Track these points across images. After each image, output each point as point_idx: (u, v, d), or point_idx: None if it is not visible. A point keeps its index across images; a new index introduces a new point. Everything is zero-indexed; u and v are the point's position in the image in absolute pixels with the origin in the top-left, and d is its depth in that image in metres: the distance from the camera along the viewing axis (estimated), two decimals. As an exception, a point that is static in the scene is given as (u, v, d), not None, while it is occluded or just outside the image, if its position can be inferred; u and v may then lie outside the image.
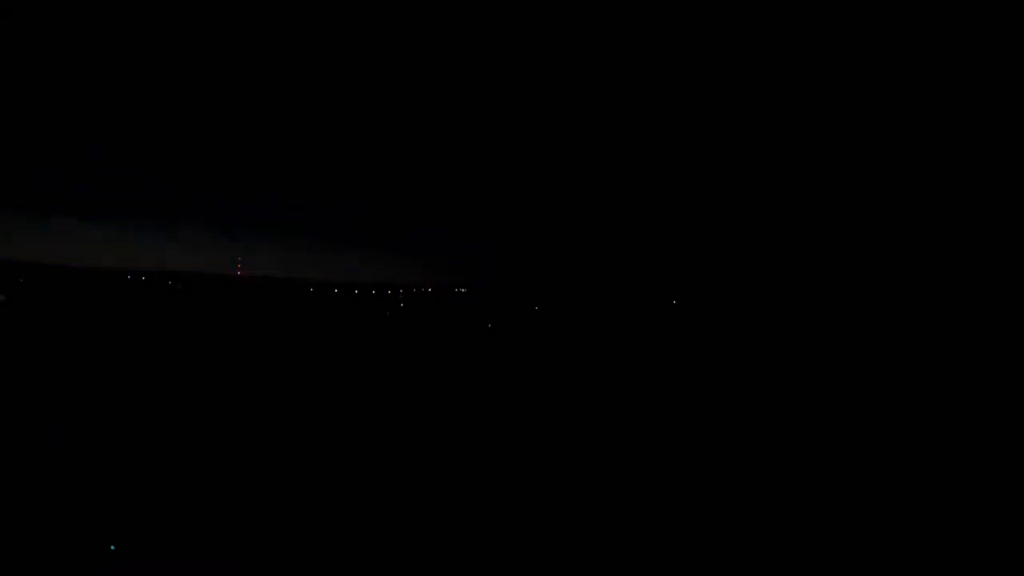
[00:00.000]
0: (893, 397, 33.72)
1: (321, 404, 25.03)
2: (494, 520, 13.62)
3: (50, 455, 16.27)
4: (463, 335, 66.69)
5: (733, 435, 22.96)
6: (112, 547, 11.23)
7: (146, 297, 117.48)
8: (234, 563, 11.06)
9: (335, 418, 22.68)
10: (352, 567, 11.23)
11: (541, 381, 34.62)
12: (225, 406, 23.60)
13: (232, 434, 19.55)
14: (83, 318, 60.71)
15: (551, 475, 17.03)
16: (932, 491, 17.14)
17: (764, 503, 15.52)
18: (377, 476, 16.20)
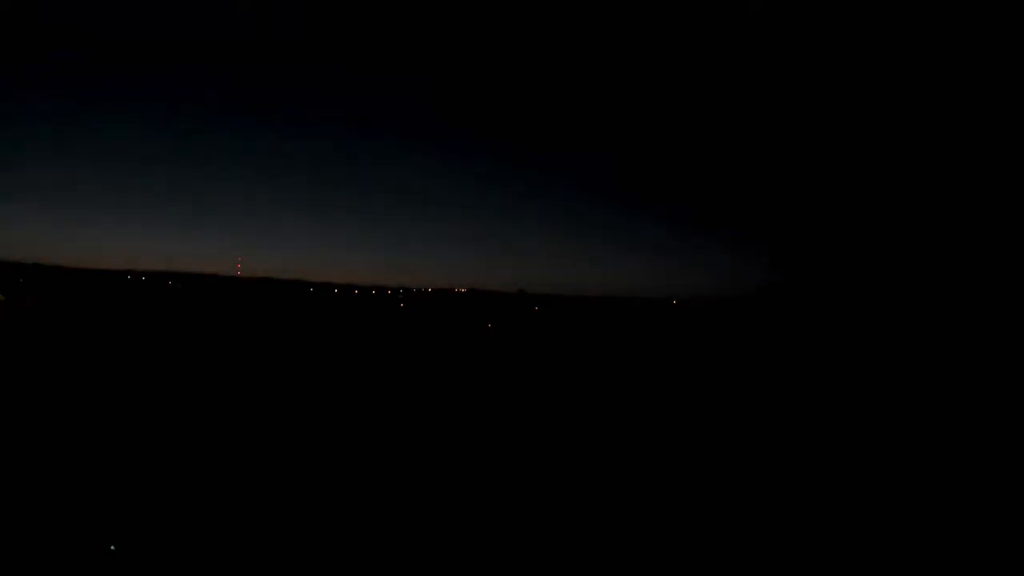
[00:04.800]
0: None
1: (322, 403, 24.98)
2: (495, 518, 13.59)
3: (50, 455, 16.23)
4: (463, 335, 66.62)
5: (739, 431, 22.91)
6: (112, 547, 11.21)
7: (146, 297, 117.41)
8: (234, 563, 11.03)
9: (336, 417, 22.64)
10: (352, 566, 11.20)
11: (540, 381, 34.56)
12: (225, 405, 23.55)
13: (233, 433, 19.51)
14: (83, 318, 60.65)
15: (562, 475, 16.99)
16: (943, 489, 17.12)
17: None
18: (376, 474, 16.16)
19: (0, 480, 14.20)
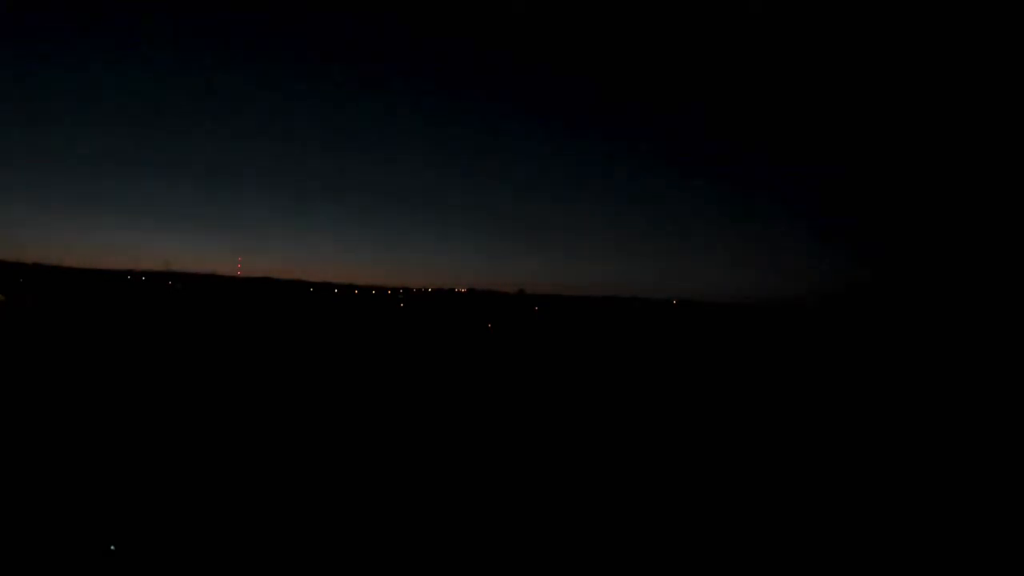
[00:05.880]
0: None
1: (322, 402, 25.00)
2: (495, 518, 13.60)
3: (50, 455, 16.24)
4: (463, 335, 66.65)
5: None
6: (112, 547, 11.22)
7: (146, 297, 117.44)
8: (234, 563, 11.04)
9: (335, 416, 22.65)
10: (352, 566, 11.21)
11: (541, 380, 34.59)
12: (226, 405, 23.56)
13: (233, 433, 19.52)
14: (83, 318, 60.66)
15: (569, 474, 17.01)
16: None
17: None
18: (376, 474, 16.18)
19: (0, 480, 14.22)
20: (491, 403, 27.18)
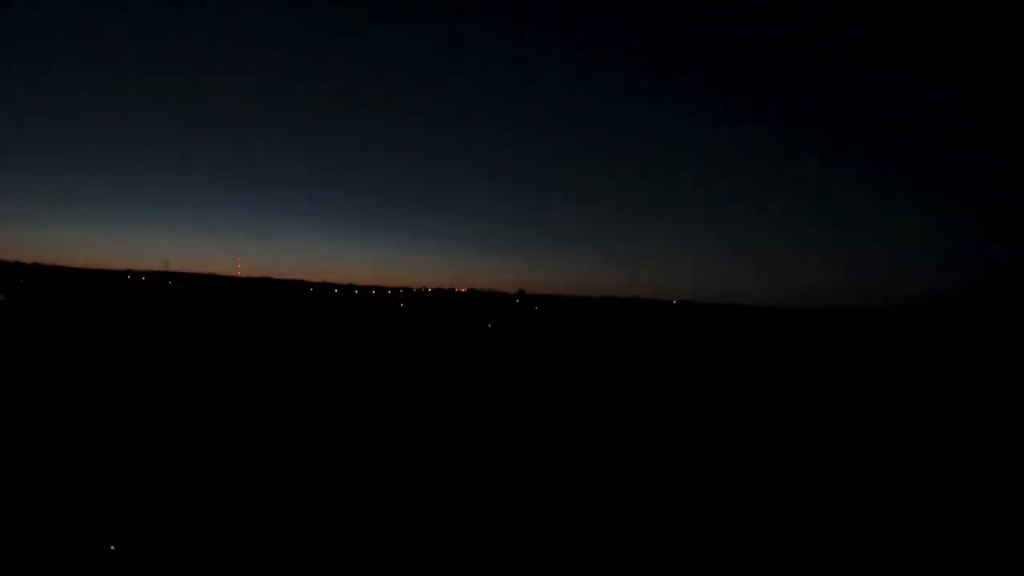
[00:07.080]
0: None
1: (321, 402, 24.98)
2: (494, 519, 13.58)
3: (50, 455, 16.22)
4: (463, 335, 66.64)
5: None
6: (112, 547, 11.19)
7: (146, 297, 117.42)
8: (234, 563, 11.02)
9: (335, 416, 22.64)
10: (352, 566, 11.19)
11: (542, 381, 34.56)
12: (225, 405, 23.55)
13: (233, 433, 19.50)
14: (83, 318, 60.65)
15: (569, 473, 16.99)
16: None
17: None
18: (376, 474, 16.16)
19: (0, 480, 14.20)
20: (491, 403, 27.15)
